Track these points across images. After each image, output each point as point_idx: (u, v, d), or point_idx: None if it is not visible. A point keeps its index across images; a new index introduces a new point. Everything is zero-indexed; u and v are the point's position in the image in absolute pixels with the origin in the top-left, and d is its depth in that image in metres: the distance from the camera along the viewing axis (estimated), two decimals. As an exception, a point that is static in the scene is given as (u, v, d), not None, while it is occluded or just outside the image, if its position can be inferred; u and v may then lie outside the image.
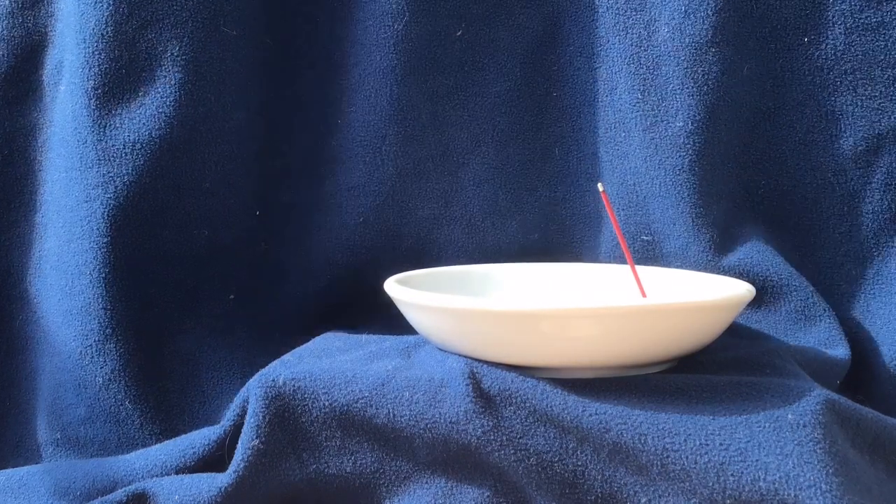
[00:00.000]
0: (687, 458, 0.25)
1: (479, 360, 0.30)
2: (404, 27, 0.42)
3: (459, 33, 0.43)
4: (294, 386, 0.30)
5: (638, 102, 0.41)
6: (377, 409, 0.29)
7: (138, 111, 0.39)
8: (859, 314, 0.39)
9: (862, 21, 0.38)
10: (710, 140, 0.40)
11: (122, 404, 0.38)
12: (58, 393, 0.40)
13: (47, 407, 0.40)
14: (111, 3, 0.39)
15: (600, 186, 0.34)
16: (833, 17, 0.39)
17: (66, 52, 0.42)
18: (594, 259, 0.43)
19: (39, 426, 0.40)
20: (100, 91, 0.39)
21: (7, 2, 0.42)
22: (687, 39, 0.39)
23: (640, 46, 0.41)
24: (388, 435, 0.29)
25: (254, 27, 0.42)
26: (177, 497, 0.29)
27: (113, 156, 0.39)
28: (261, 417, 0.29)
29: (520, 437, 0.27)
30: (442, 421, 0.28)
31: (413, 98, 0.43)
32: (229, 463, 0.30)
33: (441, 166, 0.44)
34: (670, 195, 0.40)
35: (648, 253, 0.41)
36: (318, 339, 0.39)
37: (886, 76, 0.38)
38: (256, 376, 0.31)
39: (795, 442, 0.25)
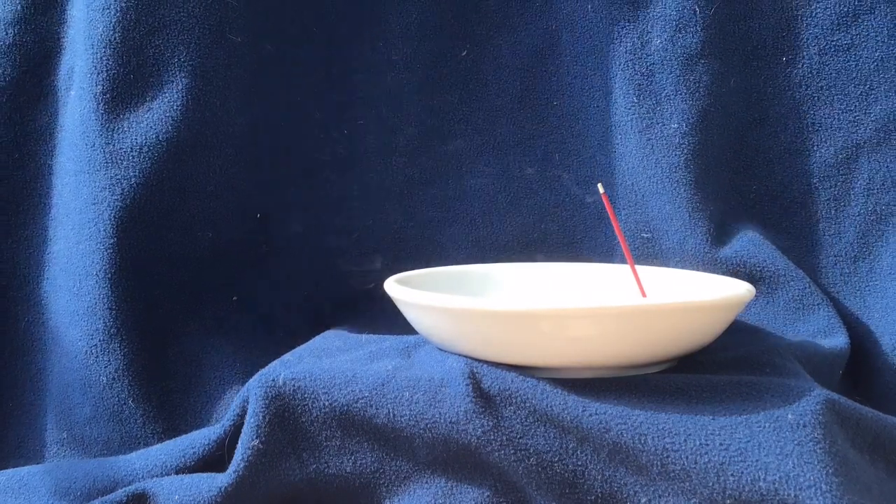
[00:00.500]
0: (687, 458, 0.24)
1: (479, 360, 0.29)
2: (413, 49, 0.44)
3: (465, 53, 0.44)
4: (294, 386, 0.29)
5: (633, 106, 0.42)
6: (377, 409, 0.28)
7: (145, 115, 0.39)
8: (856, 309, 0.39)
9: (834, 42, 0.40)
10: (704, 141, 0.41)
11: (125, 404, 0.37)
12: (65, 393, 0.39)
13: (55, 407, 0.39)
14: (119, 9, 0.39)
15: (600, 187, 0.34)
16: (807, 39, 0.41)
17: (76, 58, 0.41)
18: (594, 259, 0.43)
19: (45, 426, 0.39)
20: (108, 96, 0.39)
21: (19, 8, 0.42)
22: (679, 50, 0.41)
23: (635, 55, 0.42)
24: (388, 435, 0.28)
25: (258, 35, 0.42)
26: (177, 497, 0.28)
27: (120, 159, 0.39)
28: (261, 417, 0.28)
29: (520, 437, 0.27)
30: (442, 421, 0.27)
31: (420, 113, 0.45)
32: (229, 463, 0.29)
33: (445, 174, 0.45)
34: (667, 192, 0.41)
35: (648, 250, 0.42)
36: (318, 338, 0.38)
37: (859, 91, 0.40)
38: (256, 376, 0.30)
39: (795, 442, 0.24)
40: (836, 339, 0.36)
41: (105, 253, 0.38)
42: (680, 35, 0.41)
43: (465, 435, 0.27)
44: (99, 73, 0.39)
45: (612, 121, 0.43)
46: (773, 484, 0.23)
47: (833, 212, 0.41)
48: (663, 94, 0.41)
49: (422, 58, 0.45)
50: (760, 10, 0.42)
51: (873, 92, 0.40)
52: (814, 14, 0.41)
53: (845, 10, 0.40)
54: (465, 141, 0.46)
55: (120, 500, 0.29)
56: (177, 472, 0.30)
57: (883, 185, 0.40)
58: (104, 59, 0.39)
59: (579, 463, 0.26)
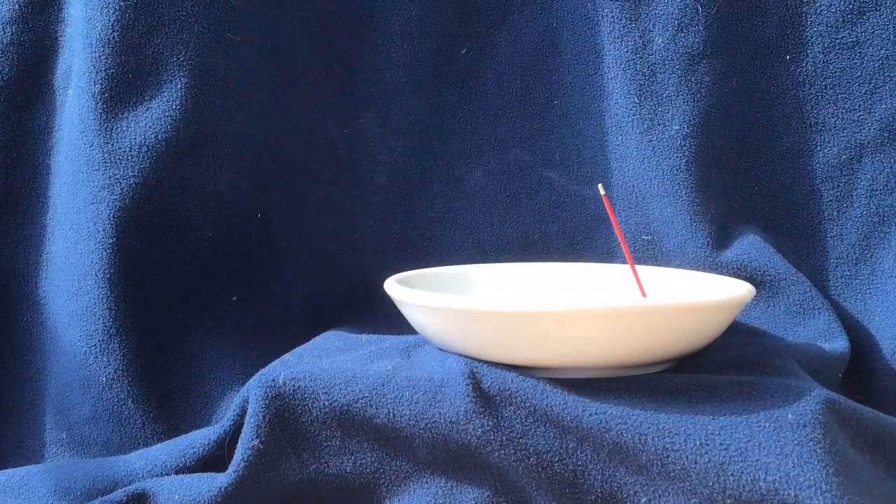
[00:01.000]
0: (687, 458, 0.25)
1: (479, 360, 0.29)
2: (413, 47, 0.44)
3: (464, 51, 0.44)
4: (294, 386, 0.29)
5: (635, 107, 0.42)
6: (377, 409, 0.28)
7: (144, 115, 0.39)
8: (857, 312, 0.39)
9: (839, 40, 0.40)
10: (706, 143, 0.41)
11: (124, 404, 0.37)
12: (64, 393, 0.39)
13: (54, 407, 0.39)
14: (117, 8, 0.39)
15: (601, 188, 0.34)
16: (812, 37, 0.41)
17: (74, 57, 0.41)
18: (594, 259, 0.43)
19: (44, 426, 0.39)
20: (106, 95, 0.39)
21: (17, 6, 0.42)
22: (680, 50, 0.41)
23: (636, 54, 0.42)
24: (388, 435, 0.28)
25: (258, 34, 0.43)
26: (177, 497, 0.29)
27: (119, 158, 0.39)
28: (261, 417, 0.29)
29: (520, 437, 0.27)
30: (442, 421, 0.27)
31: (420, 112, 0.45)
32: (229, 463, 0.29)
33: (445, 173, 0.45)
34: (668, 194, 0.41)
35: (648, 252, 0.42)
36: (318, 339, 0.38)
37: (864, 90, 0.40)
38: (256, 376, 0.30)
39: (795, 442, 0.24)
40: (837, 344, 0.36)
41: (104, 253, 0.38)
42: (682, 34, 0.41)
43: (465, 435, 0.27)
44: (97, 73, 0.39)
45: (613, 121, 0.43)
46: (773, 484, 0.23)
47: (835, 214, 0.41)
48: (665, 95, 0.41)
49: (422, 56, 0.45)
50: (764, 8, 0.42)
51: (878, 91, 0.40)
52: (818, 11, 0.41)
53: (850, 6, 0.40)
54: (465, 141, 0.46)
55: (120, 500, 0.29)
56: (177, 472, 0.31)
57: (886, 186, 0.40)
58: (102, 58, 0.39)
59: (579, 463, 0.26)
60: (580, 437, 0.26)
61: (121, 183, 0.39)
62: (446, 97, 0.45)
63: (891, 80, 0.40)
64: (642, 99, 0.42)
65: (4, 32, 0.42)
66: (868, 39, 0.40)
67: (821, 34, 0.41)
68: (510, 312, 0.27)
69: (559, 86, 0.45)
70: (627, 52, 0.42)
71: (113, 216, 0.39)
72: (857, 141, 0.40)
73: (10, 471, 0.34)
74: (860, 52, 0.40)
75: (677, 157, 0.40)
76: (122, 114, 0.39)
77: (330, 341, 0.37)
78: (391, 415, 0.28)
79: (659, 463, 0.25)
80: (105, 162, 0.39)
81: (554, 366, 0.29)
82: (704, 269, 0.39)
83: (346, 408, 0.29)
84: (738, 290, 0.30)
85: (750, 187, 0.42)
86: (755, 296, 0.38)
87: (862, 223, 0.40)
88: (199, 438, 0.31)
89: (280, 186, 0.44)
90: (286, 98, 0.44)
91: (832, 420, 0.26)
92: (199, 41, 0.40)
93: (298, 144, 0.45)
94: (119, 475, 0.31)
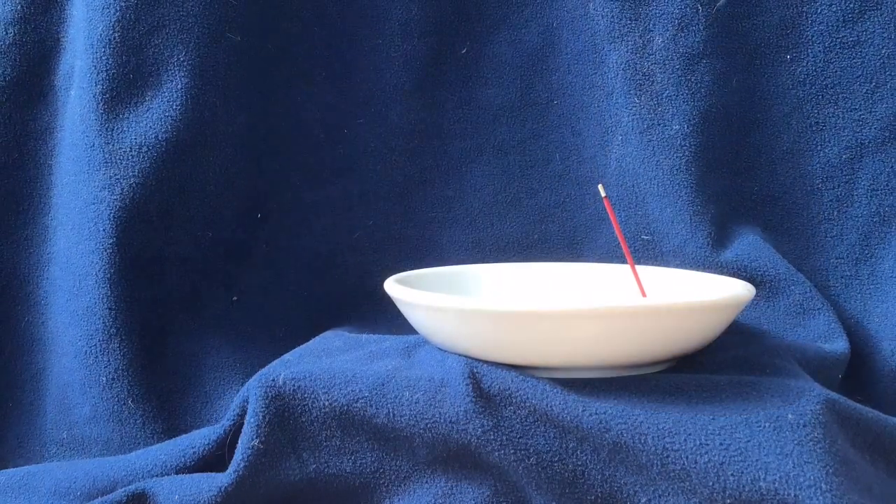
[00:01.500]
0: (687, 457, 0.25)
1: (479, 360, 0.29)
2: (413, 47, 0.44)
3: (464, 51, 0.44)
4: (294, 386, 0.29)
5: (634, 107, 0.42)
6: (377, 408, 0.28)
7: (145, 115, 0.39)
8: (857, 313, 0.39)
9: (839, 39, 0.40)
10: (705, 143, 0.41)
11: (125, 403, 0.37)
12: (65, 393, 0.39)
13: (55, 407, 0.39)
14: (118, 9, 0.39)
15: (601, 188, 0.34)
16: (812, 36, 0.41)
17: (76, 58, 0.41)
18: (594, 259, 0.43)
19: (45, 426, 0.39)
20: (107, 95, 0.39)
21: (19, 7, 0.42)
22: (680, 50, 0.41)
23: (636, 54, 0.42)
24: (388, 435, 0.28)
25: (258, 34, 0.43)
26: (177, 497, 0.29)
27: (119, 158, 0.39)
28: (261, 417, 0.29)
29: (520, 437, 0.27)
30: (442, 421, 0.27)
31: (420, 112, 0.45)
32: (229, 463, 0.29)
33: (445, 174, 0.45)
34: (668, 194, 0.41)
35: (648, 252, 0.42)
36: (318, 339, 0.38)
37: (864, 90, 0.40)
38: (256, 376, 0.30)
39: (795, 442, 0.24)
40: (837, 344, 0.36)
41: (104, 253, 0.38)
42: (682, 34, 0.41)
43: (465, 435, 0.27)
44: (98, 73, 0.39)
45: (613, 121, 0.43)
46: (773, 484, 0.23)
47: (836, 214, 0.40)
48: (664, 95, 0.41)
49: (422, 56, 0.45)
50: (764, 7, 0.41)
51: (879, 90, 0.40)
52: (818, 11, 0.40)
53: (851, 5, 0.40)
54: (465, 141, 0.46)
55: (120, 500, 0.29)
56: (177, 472, 0.30)
57: (887, 185, 0.39)
58: (104, 58, 0.39)
59: (579, 463, 0.26)
60: (580, 437, 0.26)
61: (121, 183, 0.39)
62: (446, 97, 0.45)
63: (891, 79, 0.40)
64: (642, 99, 0.42)
65: (7, 33, 0.42)
66: (869, 38, 0.40)
67: (821, 33, 0.41)
68: (510, 312, 0.27)
69: (559, 86, 0.45)
70: (627, 51, 0.42)
71: (113, 216, 0.39)
72: (858, 140, 0.40)
73: (10, 471, 0.34)
74: (861, 52, 0.40)
75: (677, 157, 0.41)
76: (123, 114, 0.39)
77: (330, 341, 0.37)
78: (391, 415, 0.28)
79: (659, 463, 0.25)
80: (106, 162, 0.39)
81: (554, 366, 0.29)
82: (704, 269, 0.39)
83: (346, 408, 0.29)
84: (738, 290, 0.30)
85: (750, 187, 0.42)
86: (755, 296, 0.38)
87: (862, 223, 0.40)
88: (199, 438, 0.31)
89: (280, 186, 0.44)
90: (286, 98, 0.45)
91: (832, 420, 0.26)
92: (199, 41, 0.40)
93: (298, 144, 0.45)
94: (119, 475, 0.31)
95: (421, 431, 0.28)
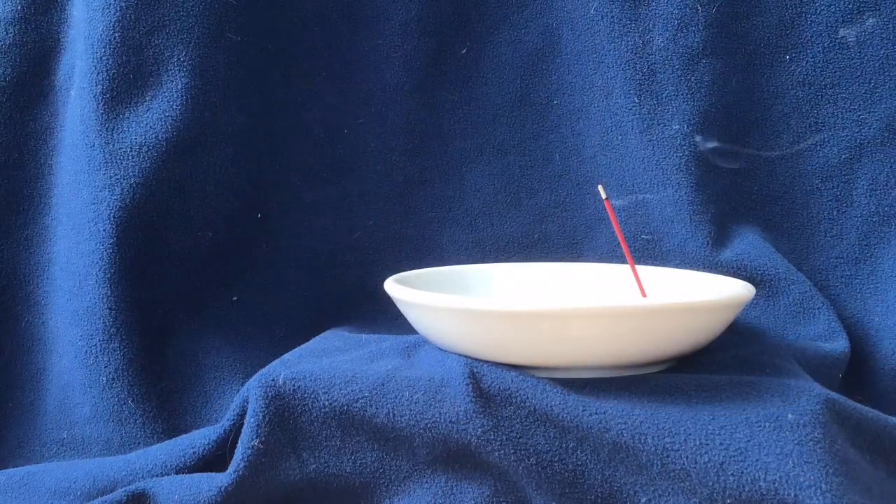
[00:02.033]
0: (687, 457, 0.25)
1: (479, 360, 0.29)
2: (413, 47, 0.44)
3: (464, 51, 0.44)
4: (294, 386, 0.29)
5: (634, 106, 0.42)
6: (377, 408, 0.28)
7: (145, 115, 0.39)
8: (857, 312, 0.39)
9: (839, 40, 0.40)
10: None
11: (125, 403, 0.37)
12: (65, 393, 0.39)
13: (55, 407, 0.39)
14: (118, 9, 0.39)
15: (601, 189, 0.34)
16: (811, 36, 0.41)
17: (76, 58, 0.41)
18: (594, 259, 0.43)
19: (45, 426, 0.39)
20: (107, 95, 0.39)
21: (19, 7, 0.42)
22: (680, 49, 0.41)
23: (636, 54, 0.42)
24: (388, 435, 0.28)
25: (258, 34, 0.43)
26: (177, 497, 0.28)
27: (120, 158, 0.39)
28: (261, 417, 0.29)
29: (520, 437, 0.27)
30: (442, 421, 0.27)
31: (420, 112, 0.45)
32: (229, 463, 0.29)
33: (445, 174, 0.45)
34: (668, 194, 0.41)
35: (648, 252, 0.42)
36: (318, 338, 0.38)
37: (863, 90, 0.40)
38: (256, 376, 0.30)
39: (795, 442, 0.24)
40: (837, 344, 0.36)
41: (105, 253, 0.38)
42: (682, 34, 0.41)
43: (465, 435, 0.27)
44: (98, 73, 0.39)
45: (613, 121, 0.43)
46: (773, 484, 0.23)
47: (835, 213, 0.41)
48: (664, 95, 0.41)
49: (422, 56, 0.45)
50: (764, 7, 0.42)
51: (878, 90, 0.40)
52: (818, 10, 0.41)
53: (851, 5, 0.40)
54: (465, 141, 0.46)
55: (120, 499, 0.29)
56: (177, 472, 0.30)
57: (887, 185, 0.39)
58: (104, 58, 0.39)
59: (579, 463, 0.26)
60: (580, 437, 0.26)
61: (122, 183, 0.39)
62: (446, 97, 0.45)
63: (891, 79, 0.40)
64: (642, 98, 0.42)
65: (7, 33, 0.42)
66: (868, 38, 0.40)
67: (820, 33, 0.41)
68: (510, 312, 0.27)
69: (559, 86, 0.45)
70: (627, 51, 0.42)
71: (114, 216, 0.39)
72: (858, 140, 0.40)
73: (10, 471, 0.34)
74: (860, 52, 0.40)
75: (677, 156, 0.41)
76: (123, 114, 0.39)
77: (330, 341, 0.37)
78: (391, 415, 0.28)
79: (659, 463, 0.25)
80: (106, 162, 0.39)
81: (554, 366, 0.29)
82: (704, 269, 0.39)
83: (346, 407, 0.29)
84: (738, 290, 0.30)
85: (750, 187, 0.42)
86: (755, 296, 0.38)
87: (862, 223, 0.40)
88: (199, 438, 0.31)
89: (280, 186, 0.44)
90: (286, 98, 0.45)
91: (832, 420, 0.26)
92: (199, 41, 0.40)
93: (298, 144, 0.45)
94: (119, 475, 0.31)
95: (421, 431, 0.28)
